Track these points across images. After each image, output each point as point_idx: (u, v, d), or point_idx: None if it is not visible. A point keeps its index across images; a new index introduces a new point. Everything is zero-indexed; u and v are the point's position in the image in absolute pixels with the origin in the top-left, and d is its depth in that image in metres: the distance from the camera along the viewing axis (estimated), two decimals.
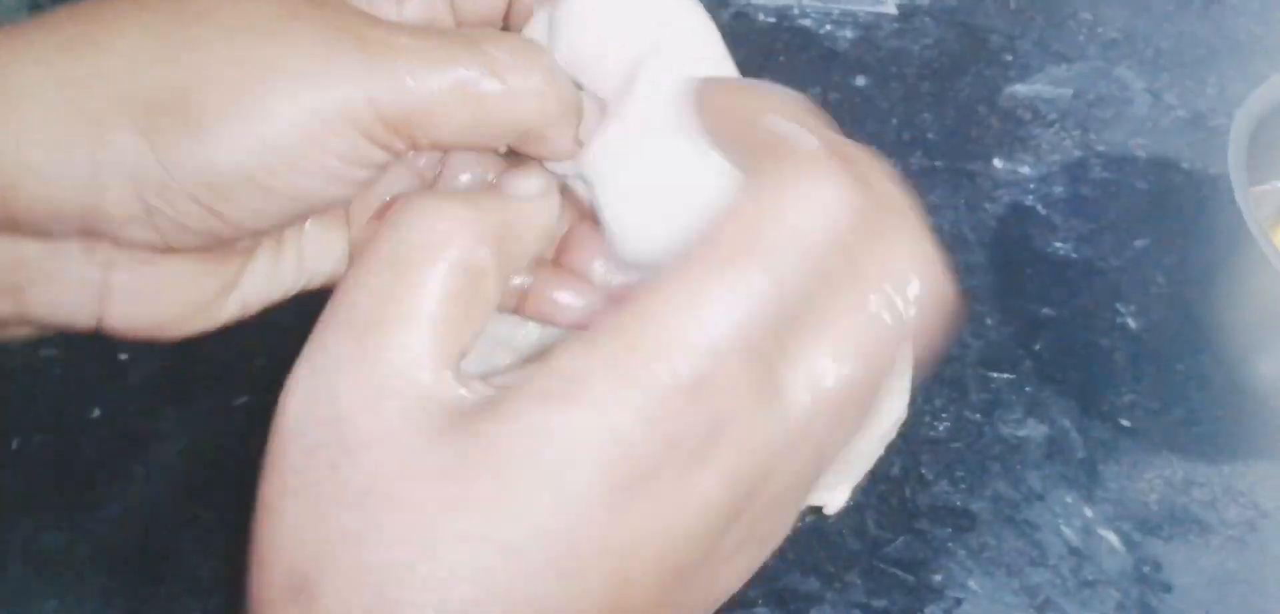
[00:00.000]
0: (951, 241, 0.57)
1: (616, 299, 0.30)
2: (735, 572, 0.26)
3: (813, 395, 0.22)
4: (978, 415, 0.51)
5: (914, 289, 0.22)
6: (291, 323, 0.52)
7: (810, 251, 0.21)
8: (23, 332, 0.31)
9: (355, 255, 0.33)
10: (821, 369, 0.22)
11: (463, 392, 0.24)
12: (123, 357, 0.51)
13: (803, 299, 0.21)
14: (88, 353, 0.51)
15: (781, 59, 0.63)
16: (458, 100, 0.28)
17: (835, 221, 0.21)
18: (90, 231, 0.28)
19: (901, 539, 0.48)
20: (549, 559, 0.22)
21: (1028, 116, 0.62)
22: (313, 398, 0.25)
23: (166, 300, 0.31)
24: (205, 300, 0.32)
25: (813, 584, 0.47)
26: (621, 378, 0.22)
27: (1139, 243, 0.57)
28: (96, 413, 0.50)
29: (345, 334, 0.25)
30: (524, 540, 0.22)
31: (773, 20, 0.65)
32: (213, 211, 0.27)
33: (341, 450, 0.23)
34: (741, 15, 0.65)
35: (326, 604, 0.23)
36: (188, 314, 0.31)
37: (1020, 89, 0.63)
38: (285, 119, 0.27)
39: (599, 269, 0.32)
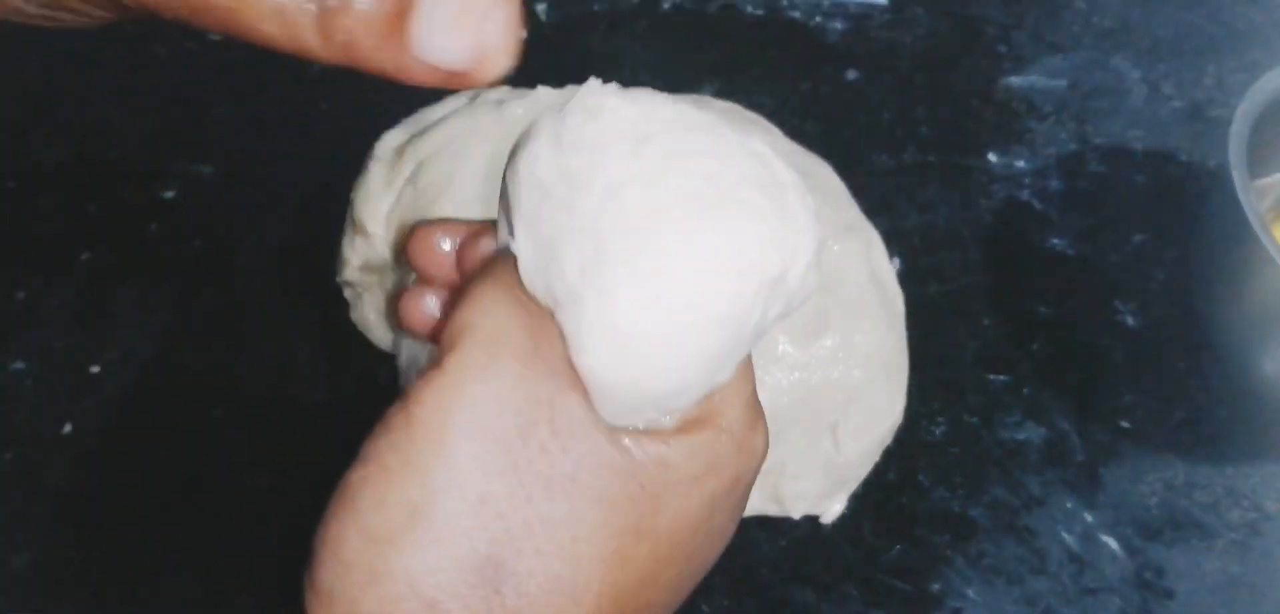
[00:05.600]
0: (946, 238, 0.55)
1: None
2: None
3: None
4: (975, 419, 0.50)
5: None
6: (266, 337, 0.51)
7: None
8: None
9: None
10: None
11: None
12: (94, 370, 0.50)
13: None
14: (59, 368, 0.50)
15: (770, 53, 0.62)
16: None
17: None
18: None
19: (899, 548, 0.47)
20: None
21: (1022, 109, 0.60)
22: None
23: None
24: None
25: (809, 595, 0.45)
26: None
27: (1137, 238, 0.56)
28: (68, 428, 0.48)
29: None
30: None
31: (761, 13, 0.63)
32: None
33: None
34: (729, 8, 0.64)
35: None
36: None
37: (1015, 81, 0.62)
38: None
39: None
